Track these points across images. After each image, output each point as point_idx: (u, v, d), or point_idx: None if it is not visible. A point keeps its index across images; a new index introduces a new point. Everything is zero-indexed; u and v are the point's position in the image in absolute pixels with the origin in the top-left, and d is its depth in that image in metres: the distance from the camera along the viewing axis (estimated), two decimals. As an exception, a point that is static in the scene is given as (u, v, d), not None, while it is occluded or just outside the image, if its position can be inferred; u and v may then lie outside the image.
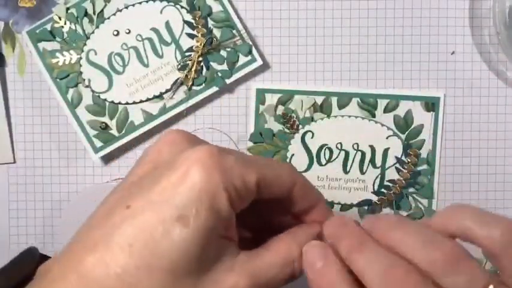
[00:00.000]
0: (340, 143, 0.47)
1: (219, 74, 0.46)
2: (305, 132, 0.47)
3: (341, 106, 0.47)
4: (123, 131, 0.46)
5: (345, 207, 0.47)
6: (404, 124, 0.47)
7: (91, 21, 0.46)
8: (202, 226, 0.25)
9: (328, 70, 0.47)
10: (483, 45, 0.47)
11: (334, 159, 0.47)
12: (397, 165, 0.47)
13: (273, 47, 0.47)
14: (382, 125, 0.47)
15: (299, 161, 0.47)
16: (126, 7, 0.46)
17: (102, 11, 0.46)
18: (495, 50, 0.47)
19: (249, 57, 0.46)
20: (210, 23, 0.46)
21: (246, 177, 0.26)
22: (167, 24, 0.46)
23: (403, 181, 0.47)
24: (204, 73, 0.46)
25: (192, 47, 0.46)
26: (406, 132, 0.47)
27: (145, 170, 0.28)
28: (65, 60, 0.46)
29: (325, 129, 0.47)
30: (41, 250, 0.33)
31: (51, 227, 0.48)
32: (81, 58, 0.46)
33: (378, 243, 0.26)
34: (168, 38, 0.46)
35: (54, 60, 0.46)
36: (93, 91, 0.46)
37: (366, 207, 0.47)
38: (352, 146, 0.47)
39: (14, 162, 0.48)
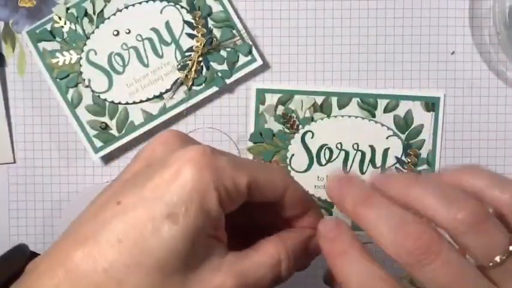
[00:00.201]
0: (340, 143, 0.47)
1: (219, 74, 0.46)
2: (305, 132, 0.47)
3: (341, 106, 0.47)
4: (123, 131, 0.46)
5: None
6: (404, 124, 0.47)
7: (91, 21, 0.46)
8: (191, 224, 0.25)
9: (328, 70, 0.47)
10: (483, 45, 0.47)
11: (334, 159, 0.47)
12: (397, 165, 0.47)
13: (273, 47, 0.47)
14: (382, 125, 0.47)
15: (299, 161, 0.47)
16: (126, 7, 0.46)
17: (102, 11, 0.46)
18: (495, 50, 0.47)
19: (249, 57, 0.46)
20: (210, 23, 0.46)
21: (237, 179, 0.26)
22: (167, 24, 0.46)
23: (403, 181, 0.47)
24: (204, 73, 0.46)
25: (192, 47, 0.46)
26: (406, 132, 0.47)
27: (138, 167, 0.28)
28: (65, 60, 0.46)
29: (325, 129, 0.47)
30: (40, 250, 0.33)
31: (51, 227, 0.48)
32: (81, 58, 0.46)
33: (388, 198, 0.26)
34: (168, 38, 0.46)
35: (54, 60, 0.46)
36: (93, 91, 0.46)
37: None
38: (352, 146, 0.47)
39: (14, 162, 0.48)
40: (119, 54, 0.46)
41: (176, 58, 0.46)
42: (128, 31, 0.46)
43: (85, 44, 0.46)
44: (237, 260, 0.27)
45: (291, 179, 0.29)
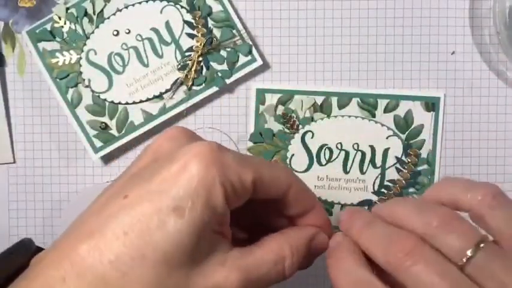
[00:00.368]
0: (340, 143, 0.47)
1: (219, 74, 0.46)
2: (305, 132, 0.47)
3: (341, 106, 0.47)
4: (123, 131, 0.46)
5: (345, 207, 0.47)
6: (404, 124, 0.47)
7: (91, 21, 0.46)
8: (197, 219, 0.25)
9: (328, 70, 0.47)
10: (483, 45, 0.47)
11: (334, 159, 0.47)
12: (397, 165, 0.47)
13: (273, 47, 0.47)
14: (382, 125, 0.47)
15: (299, 161, 0.47)
16: (126, 7, 0.46)
17: (102, 11, 0.46)
18: (495, 50, 0.47)
19: (249, 57, 0.46)
20: (210, 23, 0.46)
21: (243, 175, 0.27)
22: (167, 24, 0.46)
23: (403, 181, 0.47)
24: (204, 73, 0.46)
25: (192, 47, 0.46)
26: (406, 132, 0.47)
27: (145, 162, 0.28)
28: (64, 60, 0.46)
29: (325, 129, 0.47)
30: (40, 250, 0.33)
31: (51, 227, 0.48)
32: (81, 58, 0.46)
33: (384, 222, 0.28)
34: (168, 38, 0.46)
35: (54, 60, 0.46)
36: (93, 91, 0.46)
37: (366, 207, 0.47)
38: (352, 146, 0.47)
39: (14, 162, 0.48)
40: (119, 54, 0.46)
41: (176, 58, 0.46)
42: (127, 31, 0.46)
43: (85, 44, 0.46)
44: (241, 255, 0.27)
45: (295, 177, 0.30)
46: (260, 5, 0.47)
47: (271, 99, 0.47)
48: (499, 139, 0.47)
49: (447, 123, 0.47)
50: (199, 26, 0.46)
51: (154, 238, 0.24)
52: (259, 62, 0.46)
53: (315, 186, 0.47)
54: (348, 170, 0.47)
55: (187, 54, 0.46)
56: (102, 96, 0.46)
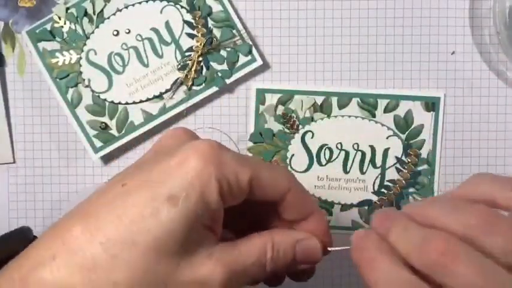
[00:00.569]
0: (340, 143, 0.47)
1: (219, 74, 0.46)
2: (305, 132, 0.47)
3: (341, 106, 0.47)
4: (123, 131, 0.46)
5: (345, 207, 0.47)
6: (404, 124, 0.47)
7: (91, 21, 0.46)
8: (190, 210, 0.26)
9: (328, 70, 0.47)
10: (483, 45, 0.47)
11: (334, 159, 0.47)
12: (397, 165, 0.47)
13: (273, 47, 0.47)
14: (382, 125, 0.47)
15: (299, 161, 0.47)
16: (126, 7, 0.46)
17: (102, 11, 0.46)
18: (495, 50, 0.47)
19: (249, 57, 0.46)
20: (210, 23, 0.46)
21: (240, 174, 0.27)
22: (167, 24, 0.46)
23: (403, 181, 0.47)
24: (204, 73, 0.46)
25: (192, 47, 0.46)
26: (406, 132, 0.47)
27: (148, 156, 0.29)
28: (64, 60, 0.46)
29: (325, 129, 0.47)
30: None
31: (51, 227, 0.48)
32: (81, 58, 0.46)
33: (418, 224, 0.27)
34: (168, 38, 0.46)
35: (54, 60, 0.46)
36: (93, 91, 0.46)
37: (366, 207, 0.47)
38: (352, 146, 0.47)
39: (14, 162, 0.48)
40: (119, 54, 0.46)
41: (176, 58, 0.46)
42: (127, 31, 0.46)
43: (85, 44, 0.46)
44: (227, 250, 0.28)
45: (295, 181, 0.30)
46: (260, 5, 0.47)
47: (271, 99, 0.47)
48: (499, 139, 0.47)
49: (447, 123, 0.47)
50: (199, 26, 0.46)
51: (147, 224, 0.25)
52: (259, 62, 0.46)
53: (315, 186, 0.47)
54: (348, 170, 0.47)
55: (187, 54, 0.46)
56: (102, 96, 0.46)
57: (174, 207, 0.25)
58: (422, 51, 0.47)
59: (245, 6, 0.47)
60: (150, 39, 0.46)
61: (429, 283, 0.25)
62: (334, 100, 0.47)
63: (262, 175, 0.28)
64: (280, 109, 0.47)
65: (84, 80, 0.46)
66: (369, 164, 0.47)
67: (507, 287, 0.24)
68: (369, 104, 0.47)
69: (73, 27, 0.46)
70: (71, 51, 0.46)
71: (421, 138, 0.47)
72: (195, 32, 0.46)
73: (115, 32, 0.46)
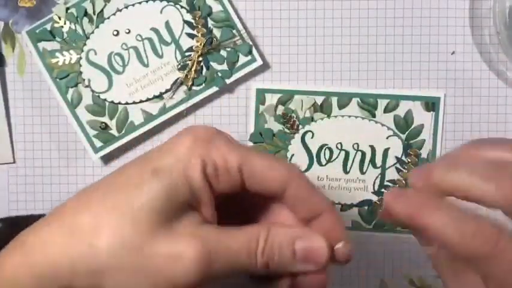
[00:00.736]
0: (340, 143, 0.47)
1: (219, 74, 0.46)
2: (305, 132, 0.47)
3: (341, 106, 0.47)
4: (123, 131, 0.46)
5: (345, 207, 0.47)
6: (404, 124, 0.47)
7: (91, 21, 0.46)
8: (170, 182, 0.27)
9: (328, 70, 0.47)
10: (483, 45, 0.47)
11: (334, 159, 0.47)
12: (397, 165, 0.47)
13: (273, 47, 0.47)
14: (382, 125, 0.47)
15: (299, 161, 0.47)
16: (126, 7, 0.46)
17: (102, 10, 0.46)
18: (495, 50, 0.47)
19: (249, 57, 0.46)
20: (210, 23, 0.46)
21: (228, 157, 0.27)
22: (167, 24, 0.46)
23: (404, 181, 0.47)
24: (204, 73, 0.46)
25: (192, 47, 0.46)
26: (406, 132, 0.47)
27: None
28: (64, 60, 0.46)
29: (325, 129, 0.47)
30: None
31: (51, 227, 0.48)
32: (81, 58, 0.46)
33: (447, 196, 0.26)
34: (168, 38, 0.46)
35: (54, 60, 0.46)
36: (93, 91, 0.46)
37: (366, 207, 0.47)
38: (352, 146, 0.47)
39: (14, 162, 0.48)
40: (119, 54, 0.46)
41: (176, 58, 0.46)
42: (127, 31, 0.46)
43: (85, 44, 0.46)
44: (212, 231, 0.27)
45: (297, 174, 0.29)
46: (260, 5, 0.47)
47: (271, 99, 0.47)
48: (499, 139, 0.47)
49: (447, 123, 0.47)
50: (199, 26, 0.46)
51: (129, 193, 0.27)
52: (259, 62, 0.46)
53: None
54: (348, 170, 0.47)
55: (187, 54, 0.46)
56: (102, 96, 0.46)
57: (155, 177, 0.27)
58: (422, 51, 0.47)
59: (245, 6, 0.47)
60: (150, 39, 0.46)
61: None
62: (334, 100, 0.47)
63: (256, 164, 0.28)
64: (280, 109, 0.47)
65: (84, 80, 0.46)
66: (369, 164, 0.47)
67: None
68: (369, 104, 0.47)
69: (73, 27, 0.46)
70: (71, 51, 0.46)
71: (421, 138, 0.47)
72: (195, 32, 0.46)
73: (115, 32, 0.46)
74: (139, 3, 0.46)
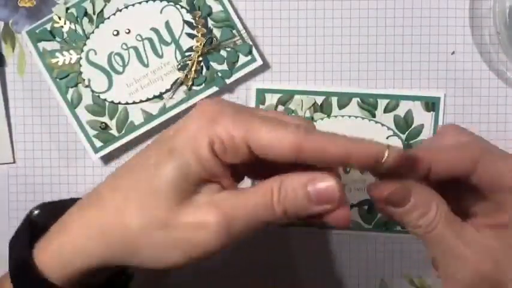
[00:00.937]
0: (340, 143, 0.47)
1: (219, 74, 0.46)
2: (305, 132, 0.47)
3: (341, 106, 0.47)
4: (123, 131, 0.46)
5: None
6: (404, 124, 0.47)
7: (91, 21, 0.46)
8: (183, 161, 0.29)
9: (328, 70, 0.47)
10: (483, 45, 0.47)
11: (334, 159, 0.47)
12: (397, 165, 0.47)
13: (273, 47, 0.47)
14: (382, 125, 0.47)
15: (299, 161, 0.47)
16: (126, 7, 0.46)
17: (102, 10, 0.46)
18: (495, 50, 0.47)
19: (249, 57, 0.46)
20: (210, 23, 0.46)
21: (233, 132, 0.29)
22: (167, 24, 0.46)
23: (403, 181, 0.47)
24: (204, 73, 0.46)
25: (192, 47, 0.46)
26: (406, 132, 0.47)
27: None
28: (64, 60, 0.46)
29: (325, 129, 0.47)
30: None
31: (51, 227, 0.48)
32: (81, 58, 0.46)
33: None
34: (168, 38, 0.46)
35: (54, 60, 0.46)
36: (93, 91, 0.46)
37: (366, 207, 0.47)
38: (352, 146, 0.47)
39: (14, 162, 0.48)
40: (119, 54, 0.46)
41: (176, 58, 0.46)
42: (127, 31, 0.46)
43: (85, 44, 0.46)
44: (230, 196, 0.30)
45: (304, 135, 0.29)
46: (260, 5, 0.47)
47: (271, 99, 0.47)
48: (499, 139, 0.47)
49: (447, 123, 0.47)
50: (199, 26, 0.46)
51: (148, 173, 0.29)
52: (259, 62, 0.46)
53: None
54: (348, 170, 0.47)
55: (187, 54, 0.46)
56: (102, 96, 0.46)
57: (170, 158, 0.29)
58: (422, 51, 0.47)
59: (245, 6, 0.47)
60: (150, 39, 0.46)
61: None
62: (334, 100, 0.47)
63: (260, 136, 0.28)
64: (281, 109, 0.47)
65: (84, 80, 0.46)
66: (369, 164, 0.47)
67: None
68: (369, 104, 0.47)
69: (73, 27, 0.46)
70: (71, 51, 0.46)
71: (421, 138, 0.47)
72: (195, 32, 0.46)
73: (115, 32, 0.46)
74: (139, 3, 0.46)
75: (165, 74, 0.46)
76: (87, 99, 0.46)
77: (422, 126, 0.47)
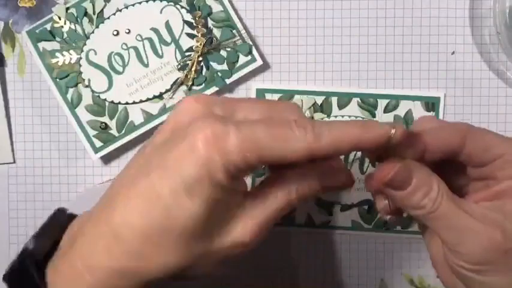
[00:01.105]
0: (340, 143, 0.47)
1: (219, 74, 0.46)
2: (305, 132, 0.47)
3: (341, 106, 0.47)
4: (123, 131, 0.46)
5: (345, 207, 0.47)
6: (404, 124, 0.47)
7: (91, 21, 0.46)
8: (206, 199, 0.28)
9: (328, 70, 0.47)
10: (483, 45, 0.47)
11: (334, 159, 0.47)
12: (397, 165, 0.47)
13: (273, 47, 0.47)
14: (382, 125, 0.47)
15: (299, 161, 0.47)
16: (126, 7, 0.46)
17: (102, 10, 0.46)
18: (495, 50, 0.47)
19: (249, 57, 0.46)
20: (210, 22, 0.46)
21: (246, 156, 0.28)
22: (167, 24, 0.46)
23: (403, 181, 0.47)
24: (204, 73, 0.46)
25: (192, 46, 0.46)
26: (406, 132, 0.47)
27: (164, 136, 0.30)
28: (64, 60, 0.46)
29: (325, 129, 0.47)
30: (41, 250, 0.33)
31: (51, 227, 0.48)
32: (81, 58, 0.46)
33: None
34: (168, 38, 0.46)
35: (54, 60, 0.46)
36: (93, 91, 0.46)
37: (366, 207, 0.47)
38: (352, 146, 0.47)
39: (14, 162, 0.48)
40: (119, 54, 0.46)
41: (176, 58, 0.46)
42: (127, 31, 0.46)
43: (85, 44, 0.46)
44: (253, 203, 0.30)
45: (314, 139, 0.28)
46: (260, 5, 0.47)
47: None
48: (499, 139, 0.47)
49: (447, 123, 0.47)
50: (199, 26, 0.46)
51: (172, 214, 0.28)
52: (259, 62, 0.46)
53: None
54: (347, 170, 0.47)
55: (187, 54, 0.46)
56: (102, 96, 0.46)
57: (191, 199, 0.28)
58: (422, 51, 0.47)
59: (245, 6, 0.47)
60: (150, 39, 0.46)
61: None
62: (334, 100, 0.47)
63: (274, 152, 0.28)
64: (280, 109, 0.47)
65: (84, 80, 0.46)
66: (369, 164, 0.47)
67: None
68: (369, 104, 0.47)
69: (73, 27, 0.46)
70: (71, 51, 0.46)
71: (421, 138, 0.47)
72: (195, 32, 0.46)
73: (115, 32, 0.46)
74: (139, 3, 0.46)
75: (165, 74, 0.46)
76: (87, 99, 0.46)
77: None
